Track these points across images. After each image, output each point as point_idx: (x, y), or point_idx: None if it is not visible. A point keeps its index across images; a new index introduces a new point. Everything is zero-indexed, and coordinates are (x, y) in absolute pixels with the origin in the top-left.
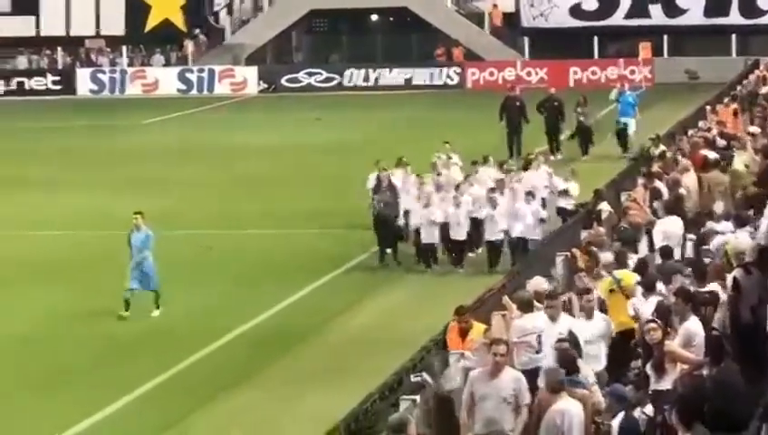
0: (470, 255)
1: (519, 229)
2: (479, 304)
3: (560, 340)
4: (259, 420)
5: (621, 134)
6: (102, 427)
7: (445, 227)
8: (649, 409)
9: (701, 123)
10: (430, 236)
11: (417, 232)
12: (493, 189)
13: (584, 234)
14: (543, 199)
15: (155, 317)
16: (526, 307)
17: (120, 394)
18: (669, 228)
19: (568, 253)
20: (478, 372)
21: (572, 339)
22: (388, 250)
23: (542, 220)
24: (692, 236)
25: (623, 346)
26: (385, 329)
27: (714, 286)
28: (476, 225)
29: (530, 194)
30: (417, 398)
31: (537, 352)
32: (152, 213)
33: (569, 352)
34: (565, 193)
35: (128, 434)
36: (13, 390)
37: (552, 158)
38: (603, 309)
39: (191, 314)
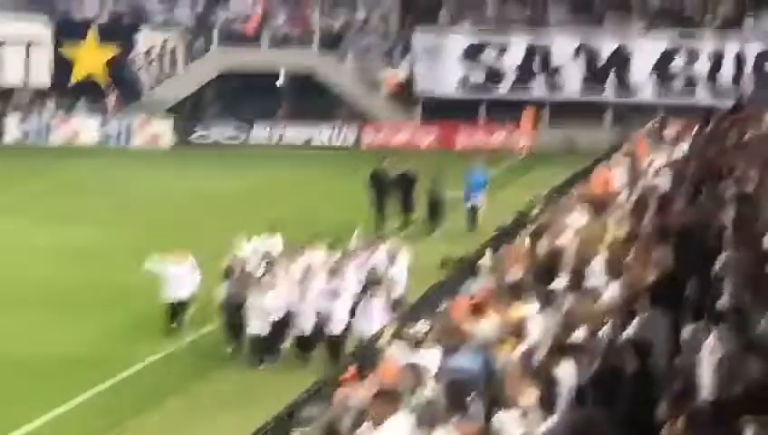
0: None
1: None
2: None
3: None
4: None
5: (471, 215)
6: None
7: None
8: None
9: (576, 187)
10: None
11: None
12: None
13: (465, 286)
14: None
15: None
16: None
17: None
18: None
19: (448, 304)
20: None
21: None
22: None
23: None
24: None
25: None
26: None
27: (582, 332)
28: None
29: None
30: (309, 429)
31: None
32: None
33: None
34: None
35: None
36: None
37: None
38: None
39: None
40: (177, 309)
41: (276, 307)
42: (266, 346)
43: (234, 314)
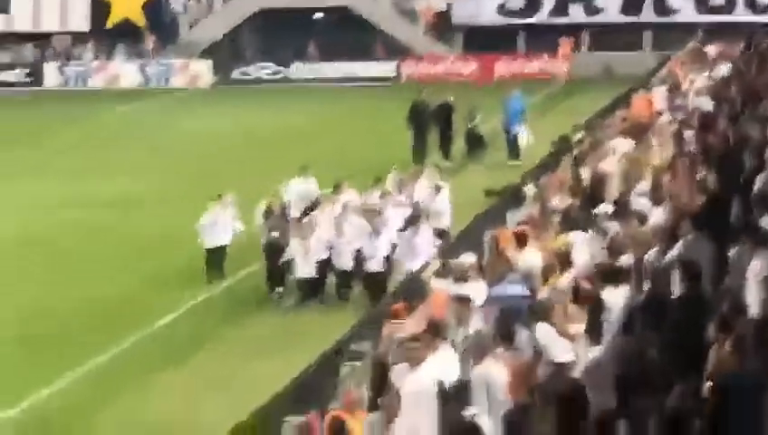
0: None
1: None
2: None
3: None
4: (211, 383)
5: (512, 144)
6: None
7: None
8: None
9: (618, 112)
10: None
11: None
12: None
13: (510, 215)
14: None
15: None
16: (461, 278)
17: (77, 363)
18: None
19: (494, 233)
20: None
21: (441, 389)
22: (279, 289)
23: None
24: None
25: None
26: None
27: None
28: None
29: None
30: (358, 363)
31: None
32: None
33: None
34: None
35: (81, 403)
36: None
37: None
38: None
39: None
40: (216, 254)
41: (319, 247)
42: (312, 287)
43: (276, 256)
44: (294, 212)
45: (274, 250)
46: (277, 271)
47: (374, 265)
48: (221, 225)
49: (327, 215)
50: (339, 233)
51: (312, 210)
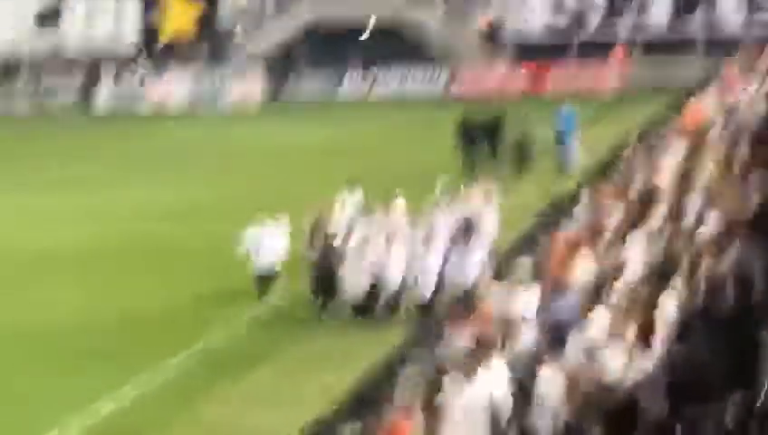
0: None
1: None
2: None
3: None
4: (273, 395)
5: (564, 156)
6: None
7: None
8: None
9: (670, 121)
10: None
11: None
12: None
13: (563, 225)
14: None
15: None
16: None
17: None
18: None
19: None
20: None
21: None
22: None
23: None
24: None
25: None
26: None
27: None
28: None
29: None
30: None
31: None
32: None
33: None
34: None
35: (146, 415)
36: (41, 372)
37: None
38: None
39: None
40: (266, 271)
41: (370, 263)
42: (364, 303)
43: (325, 274)
44: (342, 229)
45: (321, 267)
46: (325, 288)
47: (427, 282)
48: (269, 242)
49: (377, 230)
50: (388, 251)
51: (359, 222)
